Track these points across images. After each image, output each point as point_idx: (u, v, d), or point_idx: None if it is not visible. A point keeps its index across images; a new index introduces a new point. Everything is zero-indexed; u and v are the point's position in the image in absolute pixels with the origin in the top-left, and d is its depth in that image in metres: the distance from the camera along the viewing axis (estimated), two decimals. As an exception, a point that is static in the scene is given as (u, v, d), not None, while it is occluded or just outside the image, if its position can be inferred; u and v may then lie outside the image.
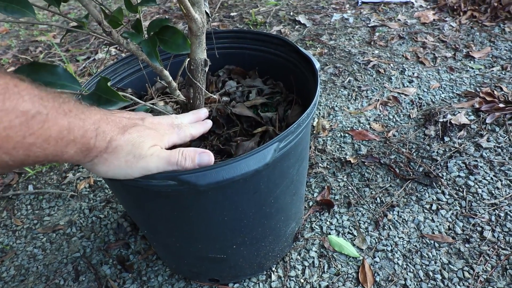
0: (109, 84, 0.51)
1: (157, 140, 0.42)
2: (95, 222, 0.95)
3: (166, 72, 0.63)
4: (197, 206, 0.53)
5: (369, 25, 1.73)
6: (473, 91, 1.22)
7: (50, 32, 2.18)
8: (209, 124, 0.55)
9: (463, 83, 1.27)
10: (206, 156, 0.45)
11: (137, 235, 0.90)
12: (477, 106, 1.14)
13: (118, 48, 1.87)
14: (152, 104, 0.63)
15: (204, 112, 0.56)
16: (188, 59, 0.62)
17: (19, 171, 1.16)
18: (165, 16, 2.22)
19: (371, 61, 1.45)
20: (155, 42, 0.59)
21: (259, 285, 0.76)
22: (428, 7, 1.83)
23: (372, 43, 1.59)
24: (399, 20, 1.75)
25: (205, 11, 0.58)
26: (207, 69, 0.64)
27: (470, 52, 1.43)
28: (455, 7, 1.76)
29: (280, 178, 0.57)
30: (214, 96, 0.72)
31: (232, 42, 0.82)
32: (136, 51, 0.59)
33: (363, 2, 1.94)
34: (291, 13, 1.96)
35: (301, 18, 1.88)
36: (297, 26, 1.83)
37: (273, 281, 0.76)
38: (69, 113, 0.33)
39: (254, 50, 0.80)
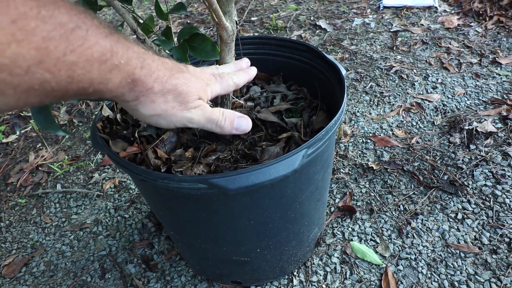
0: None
1: (202, 92, 0.40)
2: (120, 221, 0.98)
3: (195, 78, 0.64)
4: (225, 210, 0.55)
5: (391, 30, 1.72)
6: (500, 98, 1.19)
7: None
8: (253, 71, 0.50)
9: (490, 90, 1.24)
10: (244, 121, 0.44)
11: (160, 235, 0.92)
12: (504, 113, 1.11)
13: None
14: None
15: (246, 61, 0.53)
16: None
17: (47, 170, 1.20)
18: (186, 20, 2.27)
19: (394, 66, 1.44)
20: (186, 49, 0.61)
21: (280, 289, 0.77)
22: (452, 12, 1.80)
23: (394, 48, 1.57)
24: (422, 25, 1.72)
25: (234, 19, 0.59)
26: (235, 75, 0.65)
27: (496, 58, 1.39)
28: (480, 12, 1.72)
29: (306, 184, 0.58)
30: (240, 101, 0.73)
31: (256, 48, 0.83)
32: (168, 58, 0.61)
33: (385, 7, 1.93)
34: (312, 18, 1.97)
35: (322, 23, 1.88)
36: (317, 31, 1.83)
37: (295, 285, 0.77)
38: (110, 36, 0.30)
39: (278, 56, 0.81)
